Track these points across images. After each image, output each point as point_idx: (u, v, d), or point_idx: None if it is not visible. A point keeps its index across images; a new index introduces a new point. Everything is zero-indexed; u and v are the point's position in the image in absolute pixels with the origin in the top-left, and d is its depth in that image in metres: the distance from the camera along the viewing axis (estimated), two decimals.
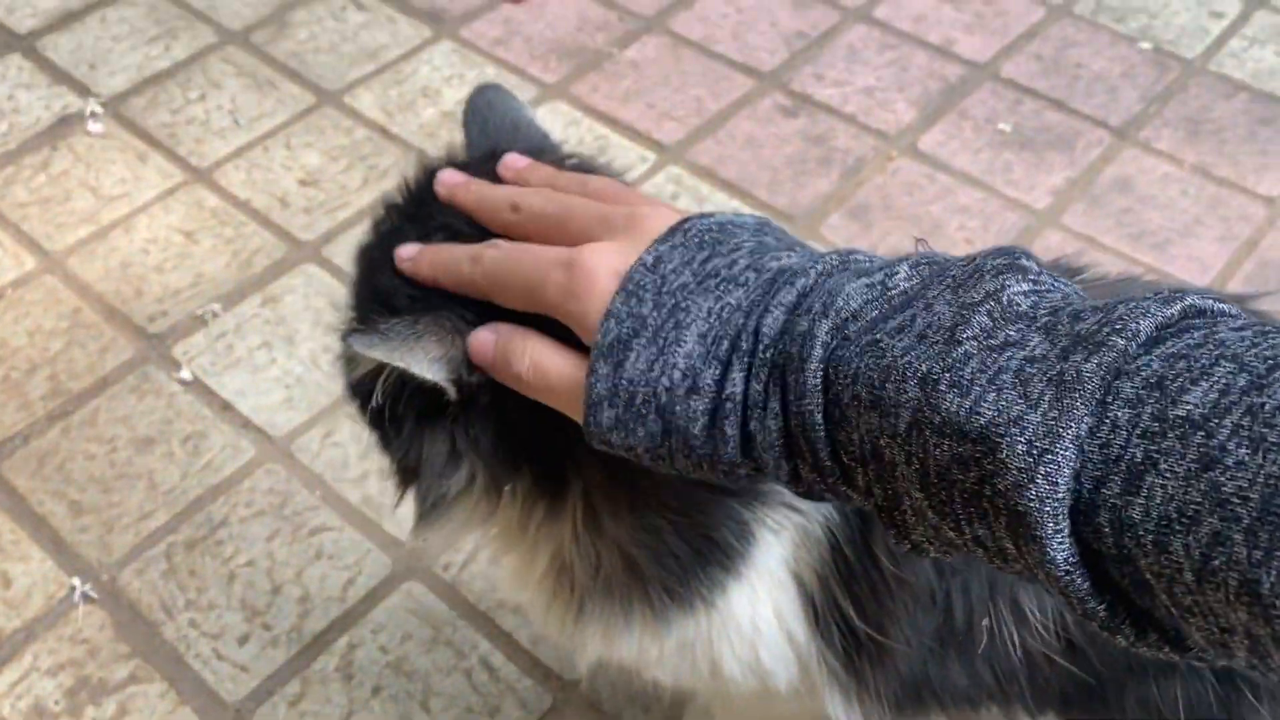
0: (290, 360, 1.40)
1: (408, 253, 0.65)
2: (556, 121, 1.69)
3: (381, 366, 0.65)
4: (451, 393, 0.66)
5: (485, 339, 0.61)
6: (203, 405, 1.36)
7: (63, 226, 1.54)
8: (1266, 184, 1.59)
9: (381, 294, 0.67)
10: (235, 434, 1.33)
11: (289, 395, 1.37)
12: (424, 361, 0.64)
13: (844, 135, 1.68)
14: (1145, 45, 1.79)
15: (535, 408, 0.64)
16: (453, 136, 1.71)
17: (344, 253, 1.50)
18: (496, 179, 0.71)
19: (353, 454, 1.31)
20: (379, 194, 1.56)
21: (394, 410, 0.67)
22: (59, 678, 1.15)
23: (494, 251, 0.61)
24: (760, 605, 0.76)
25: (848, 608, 0.75)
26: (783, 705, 0.92)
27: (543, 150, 0.76)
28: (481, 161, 0.74)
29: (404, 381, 0.65)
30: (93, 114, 1.67)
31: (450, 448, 0.68)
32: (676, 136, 1.68)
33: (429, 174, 0.72)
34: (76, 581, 1.21)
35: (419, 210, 0.70)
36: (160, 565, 1.23)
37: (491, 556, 0.84)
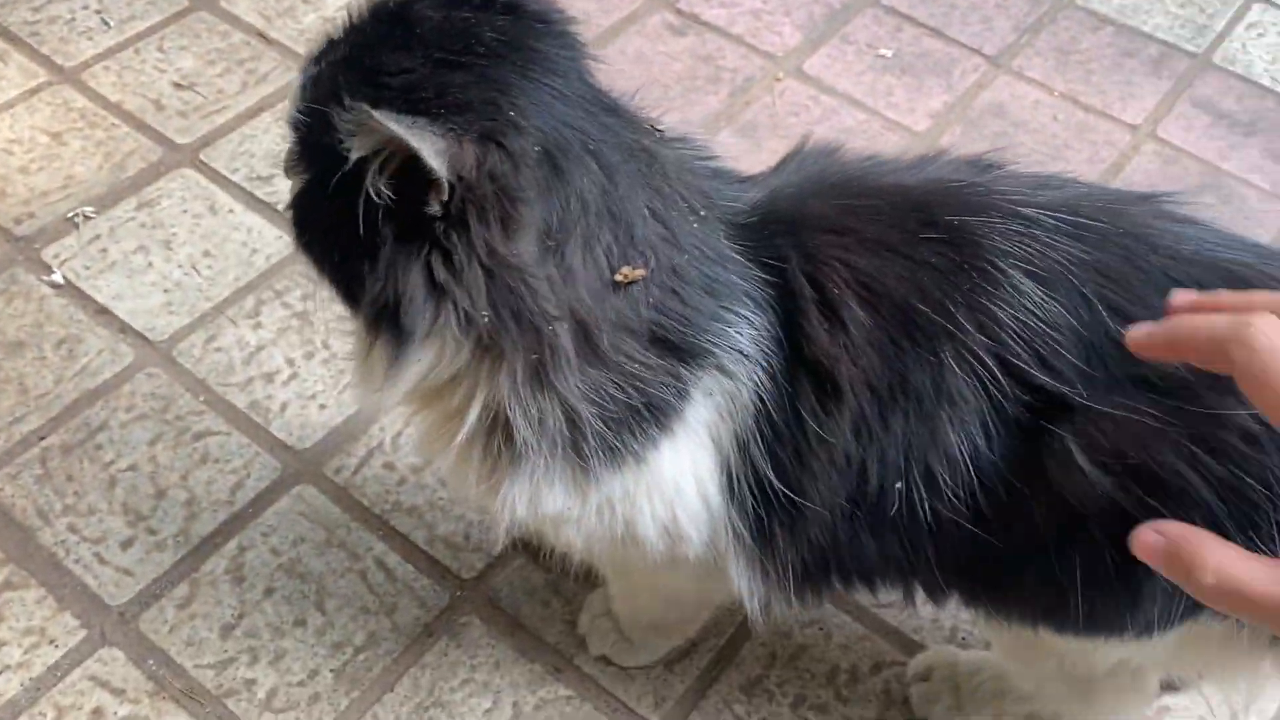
0: (168, 264, 1.35)
1: (1140, 330, 0.55)
2: None
3: (361, 176, 0.66)
4: (444, 193, 0.66)
5: (1150, 540, 0.50)
6: (77, 309, 1.30)
7: None
8: (1130, 112, 1.66)
9: (389, 87, 0.68)
10: (113, 338, 1.28)
11: (168, 299, 1.32)
12: (433, 151, 0.64)
13: (732, 55, 1.69)
14: None
15: (512, 249, 0.67)
16: None
17: (224, 157, 1.46)
18: (494, 21, 0.72)
19: (238, 359, 1.28)
20: (259, 99, 1.53)
21: (374, 228, 0.68)
22: None
23: (1263, 337, 0.49)
24: (684, 465, 0.78)
25: (766, 470, 0.77)
26: (682, 583, 0.94)
27: None
28: None
29: (393, 188, 0.66)
30: None
31: (429, 276, 0.69)
32: None
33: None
34: None
35: (390, 26, 0.72)
36: (35, 470, 1.18)
37: (413, 415, 0.83)
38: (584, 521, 0.80)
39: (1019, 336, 0.73)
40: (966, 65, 1.71)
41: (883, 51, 1.72)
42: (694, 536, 0.81)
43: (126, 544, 1.14)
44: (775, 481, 0.77)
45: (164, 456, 1.20)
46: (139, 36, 1.59)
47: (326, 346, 1.29)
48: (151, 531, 1.15)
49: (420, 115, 0.66)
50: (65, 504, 1.16)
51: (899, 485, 0.76)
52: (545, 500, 0.78)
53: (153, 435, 1.21)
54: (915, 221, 0.77)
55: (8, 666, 1.06)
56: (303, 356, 1.28)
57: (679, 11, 1.74)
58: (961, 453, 0.75)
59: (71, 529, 1.14)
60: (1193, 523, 0.52)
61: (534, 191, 0.69)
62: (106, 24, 1.60)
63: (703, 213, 0.77)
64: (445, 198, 0.67)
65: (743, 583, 0.85)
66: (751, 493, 0.79)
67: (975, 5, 1.80)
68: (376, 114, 0.63)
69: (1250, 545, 0.71)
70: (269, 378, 1.27)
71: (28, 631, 1.08)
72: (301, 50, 1.60)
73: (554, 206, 0.70)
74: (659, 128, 0.80)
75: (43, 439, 1.20)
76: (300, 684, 1.07)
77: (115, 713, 1.04)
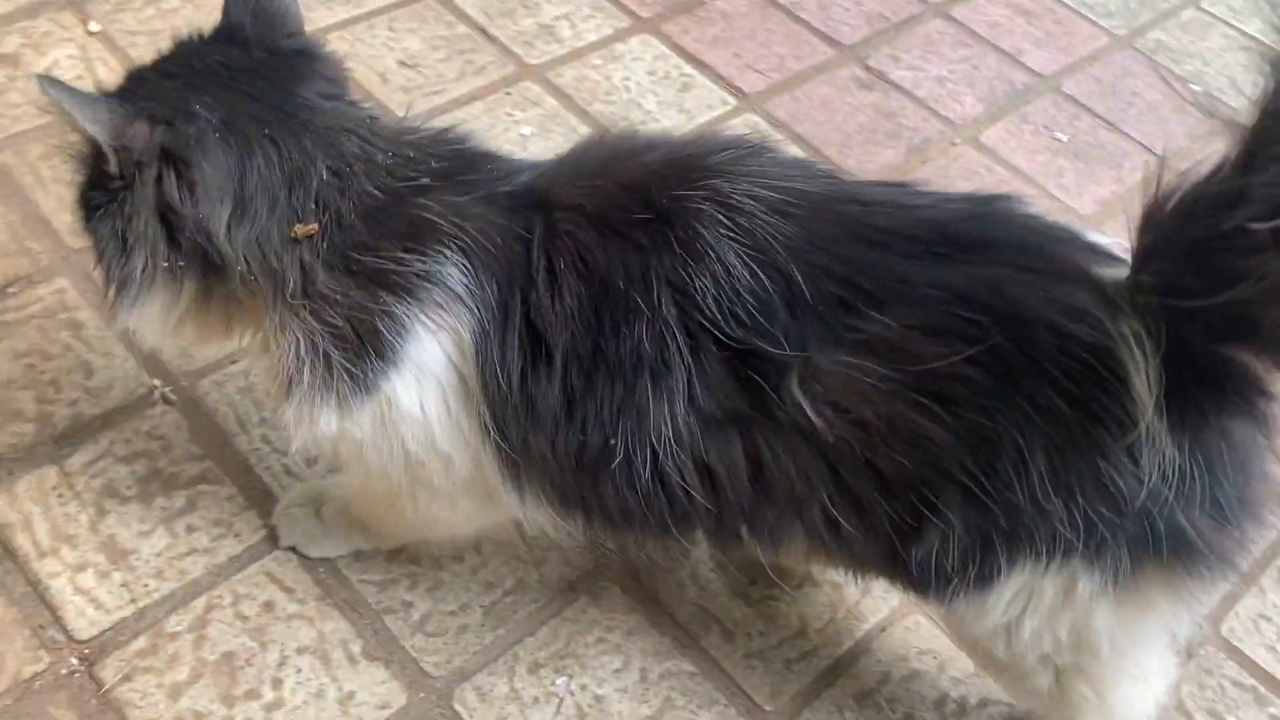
0: None
1: None
2: (647, 54, 1.77)
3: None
4: (112, 162, 0.85)
5: None
6: None
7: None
8: None
9: (125, 89, 0.91)
10: None
11: None
12: (90, 119, 0.84)
13: (914, 115, 1.77)
14: (1196, 87, 1.91)
15: (190, 208, 0.86)
16: (545, 46, 1.77)
17: None
18: (234, 53, 0.92)
19: None
20: (474, 88, 1.64)
21: (89, 196, 0.90)
22: (133, 466, 1.21)
23: None
24: (426, 395, 0.91)
25: (487, 415, 0.91)
26: (469, 505, 1.03)
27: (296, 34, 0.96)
28: (220, 36, 0.94)
29: (94, 162, 0.88)
30: None
31: (113, 230, 0.88)
32: (758, 87, 1.76)
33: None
34: (157, 382, 1.27)
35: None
36: (239, 381, 1.29)
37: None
38: (366, 443, 0.94)
39: (718, 305, 0.84)
40: (1136, 161, 1.77)
41: (1058, 135, 1.78)
42: (456, 456, 0.94)
43: (311, 461, 1.24)
44: (496, 428, 0.90)
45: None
46: (373, 13, 1.73)
47: None
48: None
49: (111, 100, 0.87)
50: (262, 416, 1.26)
51: (613, 442, 0.87)
52: (320, 421, 0.92)
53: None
54: (637, 202, 0.88)
55: (195, 550, 1.16)
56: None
57: (868, 68, 1.83)
58: (667, 417, 0.86)
59: (265, 439, 1.25)
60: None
61: (207, 163, 0.86)
62: None
63: (423, 180, 0.91)
64: (115, 164, 0.86)
65: (513, 498, 0.96)
66: (493, 425, 0.91)
67: (1152, 106, 1.86)
68: (45, 82, 0.82)
69: (992, 482, 0.82)
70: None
71: (216, 523, 1.18)
72: (518, 50, 1.72)
73: (230, 176, 0.86)
74: (373, 115, 0.96)
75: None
76: (452, 613, 1.15)
77: (284, 609, 1.13)
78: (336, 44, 1.67)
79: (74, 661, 1.07)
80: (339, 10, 1.71)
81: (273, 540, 1.17)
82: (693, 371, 0.85)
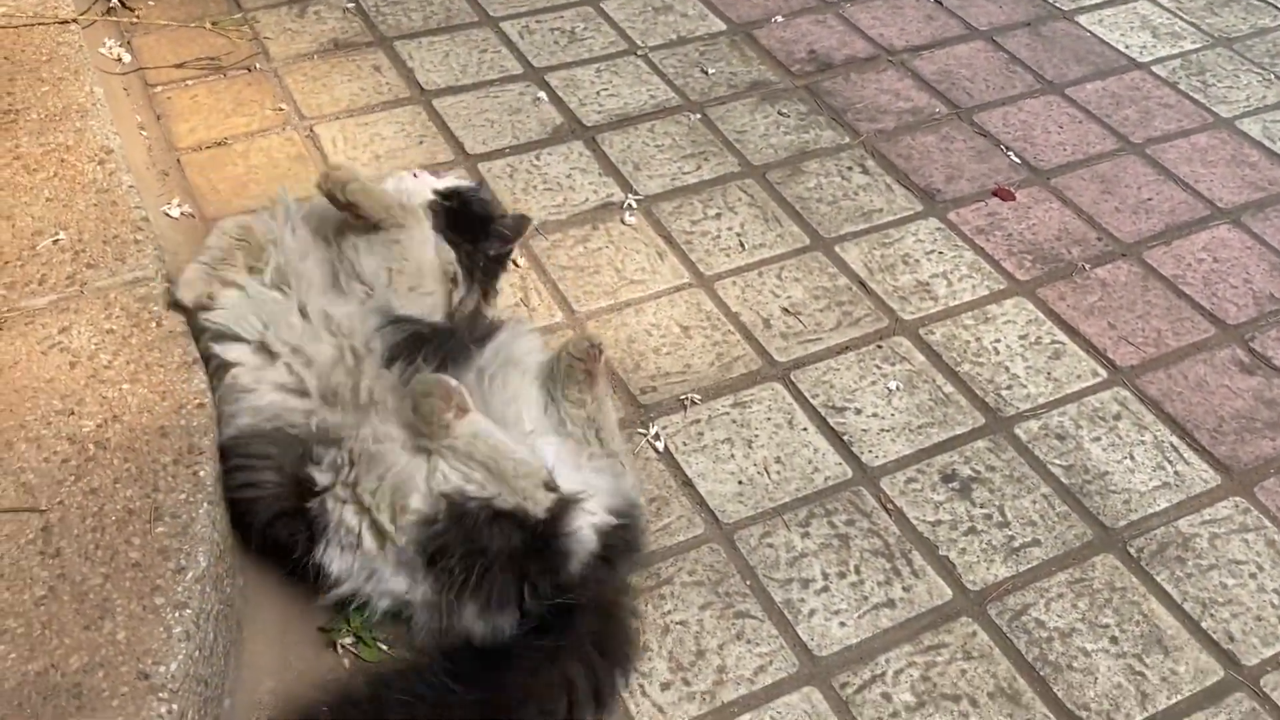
0: (746, 461, 1.61)
1: None
2: (1020, 317, 1.83)
3: None
4: None
5: None
6: (669, 476, 1.58)
7: (590, 294, 1.84)
8: None
9: None
10: (692, 509, 1.55)
11: (740, 490, 1.57)
12: None
13: None
14: None
15: None
16: (920, 303, 1.86)
17: (809, 381, 1.71)
18: None
19: (783, 558, 1.49)
20: (849, 339, 1.77)
21: None
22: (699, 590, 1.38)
23: None
24: None
25: None
26: None
27: None
28: None
29: None
30: (629, 206, 1.98)
31: None
32: (1130, 361, 1.78)
33: None
34: None
35: None
36: (759, 537, 1.45)
37: None
38: None
39: None
40: None
41: None
42: None
43: (665, 685, 1.37)
44: None
45: (709, 622, 1.43)
46: (764, 262, 1.91)
47: (857, 571, 1.48)
48: (686, 683, 1.37)
49: None
50: (788, 576, 1.41)
51: None
52: None
53: (704, 601, 1.45)
54: None
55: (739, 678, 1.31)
56: (836, 574, 1.48)
57: (1252, 350, 1.81)
58: None
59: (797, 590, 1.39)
60: None
61: None
62: (743, 245, 1.93)
63: None
64: None
65: None
66: None
67: None
68: None
69: None
70: (805, 583, 1.47)
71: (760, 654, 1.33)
72: (893, 304, 1.84)
73: None
74: None
75: None
76: None
77: None
78: (730, 289, 1.86)
79: None
80: (735, 258, 1.91)
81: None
82: None
